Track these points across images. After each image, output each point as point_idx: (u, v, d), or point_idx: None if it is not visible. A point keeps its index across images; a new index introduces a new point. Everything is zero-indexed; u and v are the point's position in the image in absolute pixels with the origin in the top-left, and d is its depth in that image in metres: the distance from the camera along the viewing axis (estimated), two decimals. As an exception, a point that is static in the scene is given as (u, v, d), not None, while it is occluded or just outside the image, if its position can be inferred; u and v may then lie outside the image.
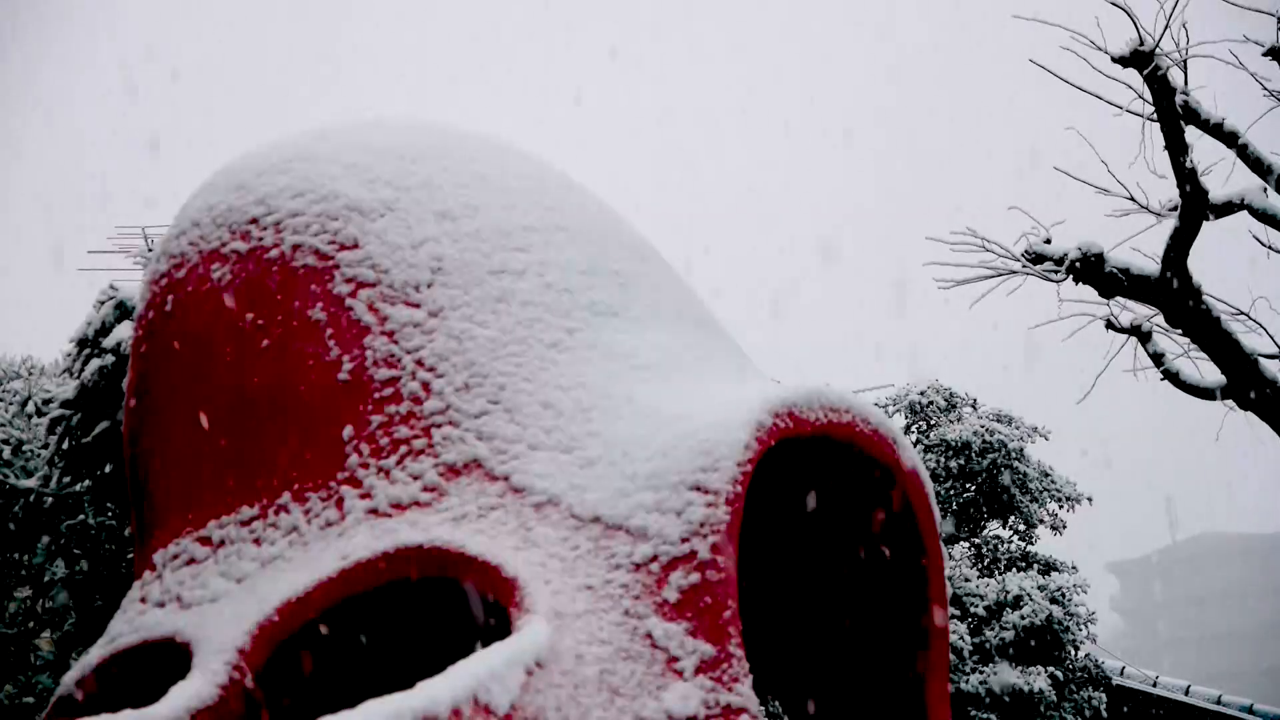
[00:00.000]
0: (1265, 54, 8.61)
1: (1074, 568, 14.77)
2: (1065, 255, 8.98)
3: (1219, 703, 16.52)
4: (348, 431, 2.45)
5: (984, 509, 14.94)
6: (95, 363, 8.54)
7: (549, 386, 2.48)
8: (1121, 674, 16.66)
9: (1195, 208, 8.35)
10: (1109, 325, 9.62)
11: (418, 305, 2.56)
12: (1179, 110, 8.25)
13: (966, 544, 14.99)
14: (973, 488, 14.99)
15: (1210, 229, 8.63)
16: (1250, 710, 16.44)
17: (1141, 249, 10.17)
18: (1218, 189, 8.66)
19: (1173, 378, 9.53)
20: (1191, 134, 8.43)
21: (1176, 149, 8.26)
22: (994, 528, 15.39)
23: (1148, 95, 8.44)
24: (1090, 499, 15.39)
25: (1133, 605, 64.34)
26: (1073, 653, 13.85)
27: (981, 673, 13.20)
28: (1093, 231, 9.11)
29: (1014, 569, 14.72)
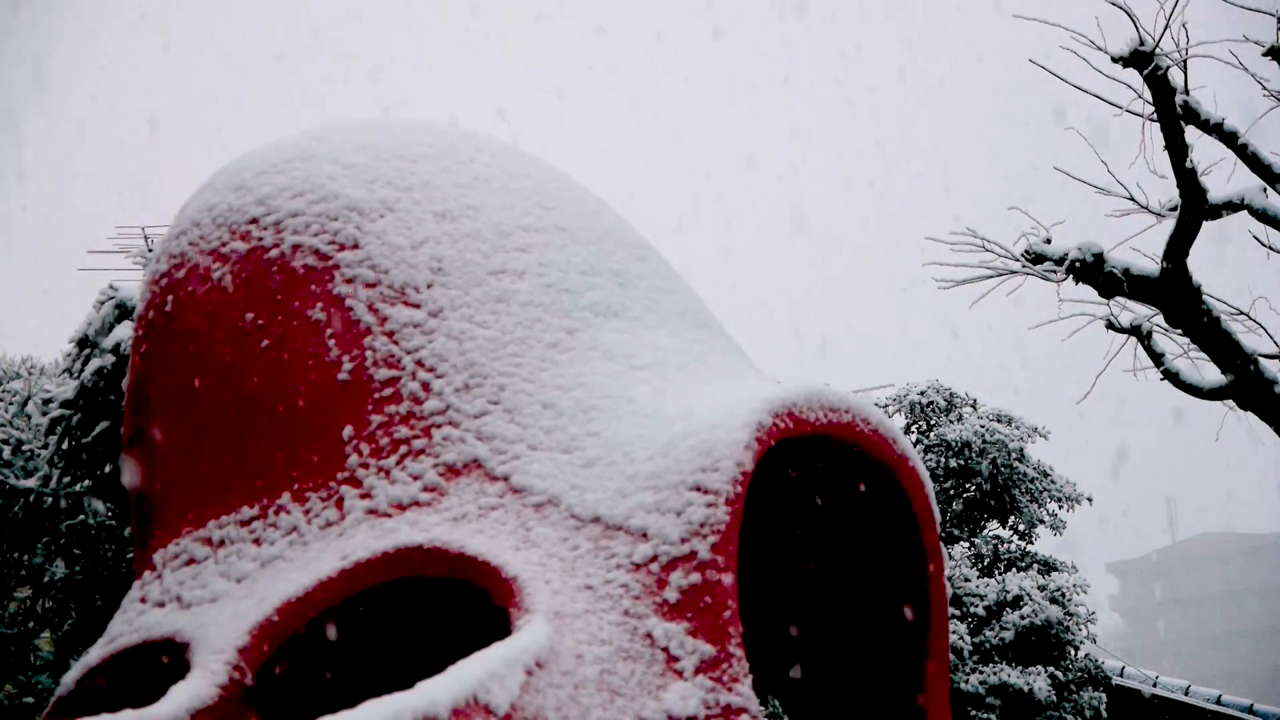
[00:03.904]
0: (1265, 54, 8.61)
1: (1074, 568, 14.78)
2: (1065, 255, 8.99)
3: (1219, 703, 16.52)
4: (348, 431, 2.45)
5: (984, 509, 14.94)
6: (95, 363, 8.53)
7: (549, 387, 2.48)
8: (1121, 674, 16.66)
9: (1195, 208, 8.35)
10: (1109, 325, 9.62)
11: (418, 305, 2.57)
12: (1179, 110, 8.26)
13: (966, 544, 14.99)
14: (973, 488, 14.99)
15: (1210, 229, 8.64)
16: (1250, 710, 16.44)
17: (1142, 249, 10.18)
18: (1218, 189, 8.66)
19: (1173, 378, 9.52)
20: (1191, 134, 8.44)
21: (1176, 149, 8.26)
22: (994, 528, 15.39)
23: (1148, 95, 8.44)
24: (1090, 499, 15.39)
25: (1133, 605, 64.31)
26: (1073, 653, 13.86)
27: (981, 673, 13.20)
28: (1093, 231, 9.12)
29: (1014, 569, 14.73)
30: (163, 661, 2.35)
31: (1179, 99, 8.27)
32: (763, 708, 2.71)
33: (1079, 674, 13.78)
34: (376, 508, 2.36)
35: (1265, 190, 8.71)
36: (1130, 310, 9.68)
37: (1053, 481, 15.13)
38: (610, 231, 2.95)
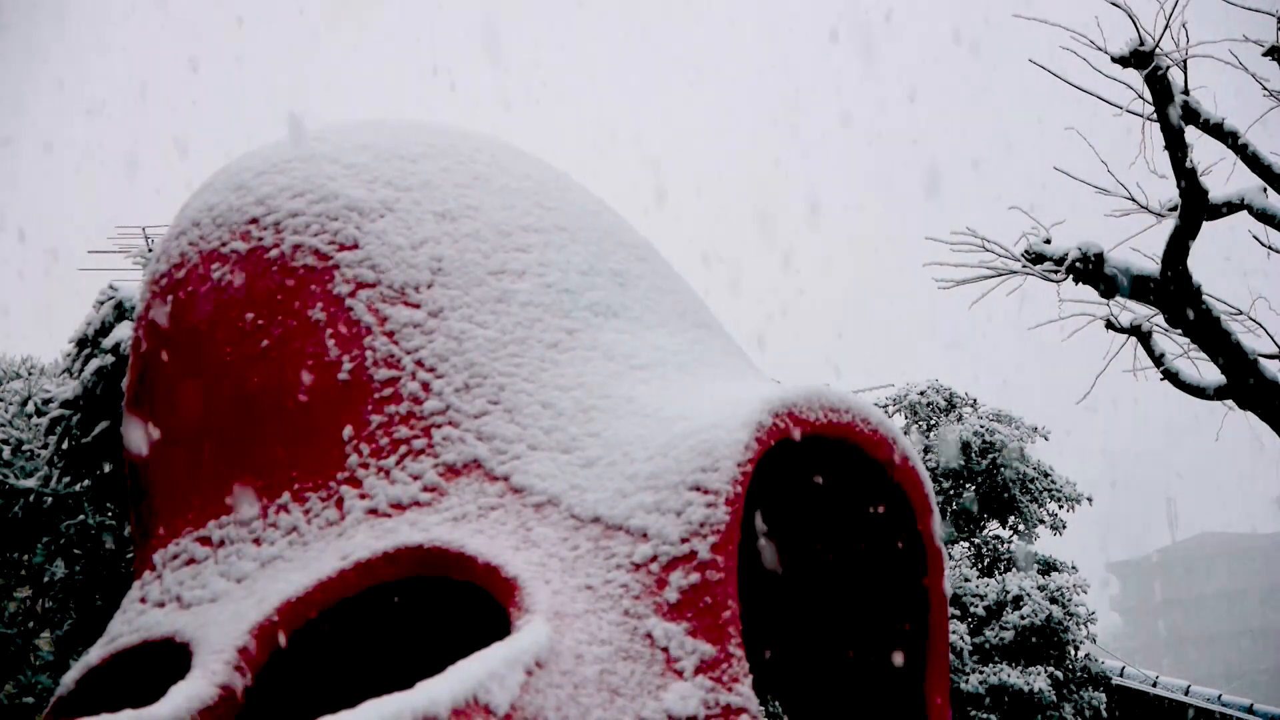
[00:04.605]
0: (1265, 54, 8.61)
1: (1074, 568, 14.78)
2: (1065, 255, 8.99)
3: (1219, 702, 16.52)
4: (348, 431, 2.45)
5: (984, 509, 14.94)
6: (95, 363, 8.54)
7: (549, 387, 2.48)
8: (1121, 674, 16.66)
9: (1195, 208, 8.35)
10: (1109, 325, 9.62)
11: (418, 305, 2.56)
12: (1179, 110, 8.25)
13: (966, 544, 14.99)
14: (973, 488, 15.00)
15: (1210, 229, 8.64)
16: (1250, 710, 16.45)
17: (1141, 249, 10.19)
18: (1218, 189, 8.66)
19: (1173, 378, 9.53)
20: (1191, 134, 8.44)
21: (1176, 149, 8.26)
22: (994, 528, 15.40)
23: (1148, 95, 8.44)
24: (1090, 499, 15.40)
25: (1133, 605, 64.30)
26: (1073, 653, 13.86)
27: (981, 673, 13.20)
28: (1093, 231, 9.12)
29: (1014, 569, 14.73)
30: (163, 661, 2.35)
31: (1179, 99, 8.27)
32: (763, 708, 2.71)
33: (1079, 674, 13.78)
34: (376, 508, 2.36)
35: (1265, 190, 8.71)
36: (1130, 310, 9.69)
37: (1053, 481, 15.13)
38: (610, 231, 2.95)
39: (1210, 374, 9.28)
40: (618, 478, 2.25)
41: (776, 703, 3.04)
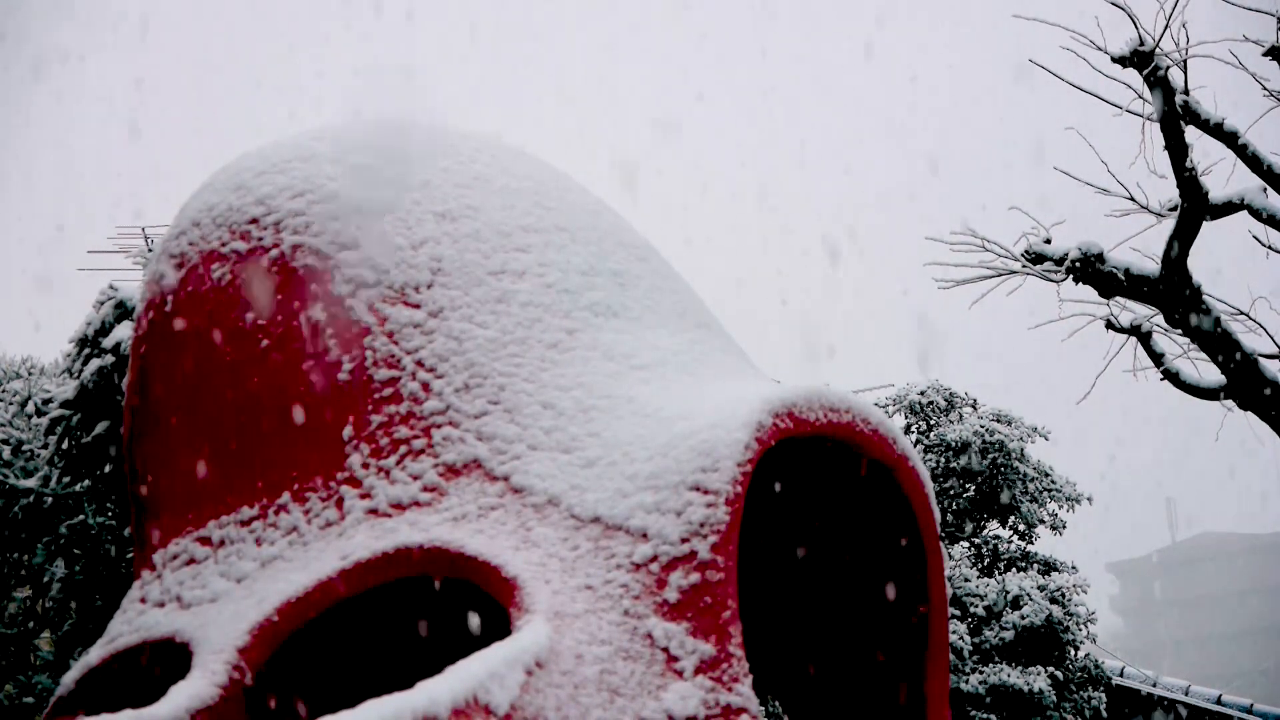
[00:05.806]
0: (1265, 54, 8.61)
1: (1074, 568, 14.77)
2: (1065, 255, 8.99)
3: (1219, 703, 16.51)
4: (348, 431, 2.45)
5: (984, 509, 14.94)
6: (95, 363, 8.54)
7: (549, 387, 2.48)
8: (1121, 674, 16.66)
9: (1195, 208, 8.35)
10: (1109, 325, 9.62)
11: (418, 306, 2.57)
12: (1179, 110, 8.25)
13: (966, 544, 14.99)
14: (973, 488, 14.99)
15: (1210, 229, 8.63)
16: (1250, 710, 16.44)
17: (1141, 249, 10.19)
18: (1218, 189, 8.66)
19: (1173, 378, 9.52)
20: (1191, 134, 8.43)
21: (1176, 149, 8.26)
22: (994, 528, 15.39)
23: (1148, 95, 8.44)
24: (1090, 499, 15.40)
25: (1133, 605, 64.25)
26: (1073, 653, 13.85)
27: (981, 673, 13.20)
28: (1093, 231, 9.12)
29: (1014, 569, 14.72)
30: (163, 661, 2.35)
31: (1179, 99, 8.27)
32: (763, 708, 2.71)
33: (1079, 674, 13.78)
34: (376, 508, 2.36)
35: (1265, 190, 8.71)
36: (1130, 310, 9.68)
37: (1053, 481, 15.12)
38: (610, 232, 2.95)
39: (1210, 374, 9.27)
40: (618, 478, 2.26)
41: (776, 703, 3.04)
